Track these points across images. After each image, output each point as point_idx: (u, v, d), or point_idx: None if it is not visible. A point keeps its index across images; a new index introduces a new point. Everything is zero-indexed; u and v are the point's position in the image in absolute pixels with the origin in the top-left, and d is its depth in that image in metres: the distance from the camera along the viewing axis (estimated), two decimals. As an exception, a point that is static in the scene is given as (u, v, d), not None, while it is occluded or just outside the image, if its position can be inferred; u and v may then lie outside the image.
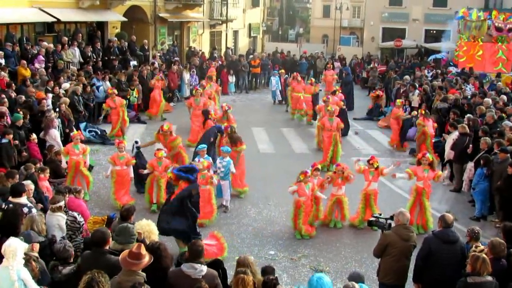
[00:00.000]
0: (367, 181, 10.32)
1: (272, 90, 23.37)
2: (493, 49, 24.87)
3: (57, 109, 13.60)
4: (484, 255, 5.85)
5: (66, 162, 11.09)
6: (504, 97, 16.07)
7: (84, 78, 17.02)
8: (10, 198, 7.29)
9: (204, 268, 5.30)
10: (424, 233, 9.55)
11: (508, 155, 10.56)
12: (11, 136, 10.76)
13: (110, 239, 5.72)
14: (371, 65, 28.22)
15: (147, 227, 5.98)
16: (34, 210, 7.16)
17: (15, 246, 5.27)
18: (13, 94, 13.50)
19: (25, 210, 7.05)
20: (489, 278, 5.75)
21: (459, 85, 18.62)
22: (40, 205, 8.05)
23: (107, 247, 5.61)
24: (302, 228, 9.76)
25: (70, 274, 5.52)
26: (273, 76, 23.31)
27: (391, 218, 7.11)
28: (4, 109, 11.84)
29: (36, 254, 5.77)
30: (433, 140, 14.77)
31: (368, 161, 10.53)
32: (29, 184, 7.77)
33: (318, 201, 10.24)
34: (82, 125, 15.52)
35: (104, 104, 16.36)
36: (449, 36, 31.70)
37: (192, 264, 5.28)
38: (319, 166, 10.63)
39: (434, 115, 16.26)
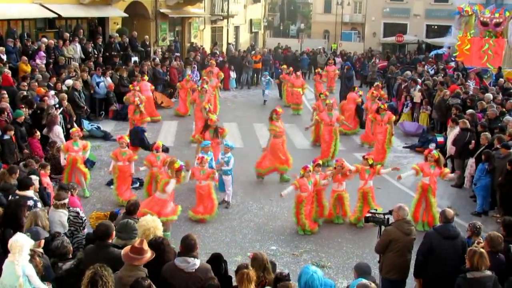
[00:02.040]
0: (363, 179, 10.24)
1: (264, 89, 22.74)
2: (480, 43, 24.79)
3: (58, 106, 13.59)
4: (481, 250, 5.83)
5: (65, 159, 11.08)
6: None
7: (85, 74, 17.01)
8: (17, 191, 7.34)
9: (197, 262, 5.30)
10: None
11: (511, 150, 10.52)
12: (13, 132, 10.78)
13: (114, 232, 5.74)
14: (372, 61, 28.18)
15: (152, 222, 5.99)
16: (39, 205, 7.19)
17: (22, 242, 5.30)
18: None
19: (30, 203, 7.09)
20: (489, 272, 5.74)
21: (461, 81, 18.57)
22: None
23: (110, 241, 5.63)
24: (306, 223, 9.76)
25: (71, 269, 5.54)
26: (263, 77, 22.62)
27: (390, 213, 7.11)
28: (6, 105, 11.85)
29: (41, 250, 5.80)
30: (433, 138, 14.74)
31: (363, 157, 10.50)
32: (35, 180, 7.80)
33: (320, 197, 10.22)
34: (86, 123, 15.49)
35: (124, 97, 15.94)
36: (451, 32, 31.68)
37: (185, 258, 5.29)
38: (320, 162, 10.56)
39: (436, 110, 16.25)
